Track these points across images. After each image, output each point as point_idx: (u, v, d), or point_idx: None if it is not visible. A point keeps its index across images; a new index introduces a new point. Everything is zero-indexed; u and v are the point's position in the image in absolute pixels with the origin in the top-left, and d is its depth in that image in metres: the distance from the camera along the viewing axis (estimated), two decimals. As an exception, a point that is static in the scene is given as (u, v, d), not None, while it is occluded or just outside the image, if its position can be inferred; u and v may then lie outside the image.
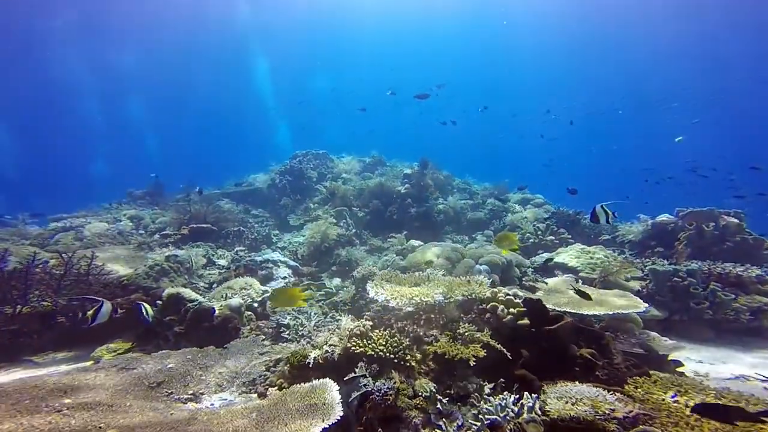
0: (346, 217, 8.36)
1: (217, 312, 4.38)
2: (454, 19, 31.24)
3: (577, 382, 2.45)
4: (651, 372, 3.07)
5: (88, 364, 3.38)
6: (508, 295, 3.08)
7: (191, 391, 2.80)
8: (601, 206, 3.73)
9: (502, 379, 2.63)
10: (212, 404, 2.79)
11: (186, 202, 8.60)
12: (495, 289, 3.18)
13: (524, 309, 2.93)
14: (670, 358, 3.92)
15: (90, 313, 3.23)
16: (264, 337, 4.34)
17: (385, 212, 8.67)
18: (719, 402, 2.44)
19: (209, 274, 6.39)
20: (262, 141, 36.44)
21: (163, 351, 3.45)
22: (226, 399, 2.90)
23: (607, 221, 3.82)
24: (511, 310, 2.91)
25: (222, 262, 6.89)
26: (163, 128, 41.64)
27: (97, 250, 5.91)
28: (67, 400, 2.01)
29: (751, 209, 7.47)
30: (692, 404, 2.22)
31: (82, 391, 2.21)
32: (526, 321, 2.85)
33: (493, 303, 3.01)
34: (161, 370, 2.96)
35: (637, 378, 2.84)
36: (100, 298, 3.42)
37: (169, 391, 2.67)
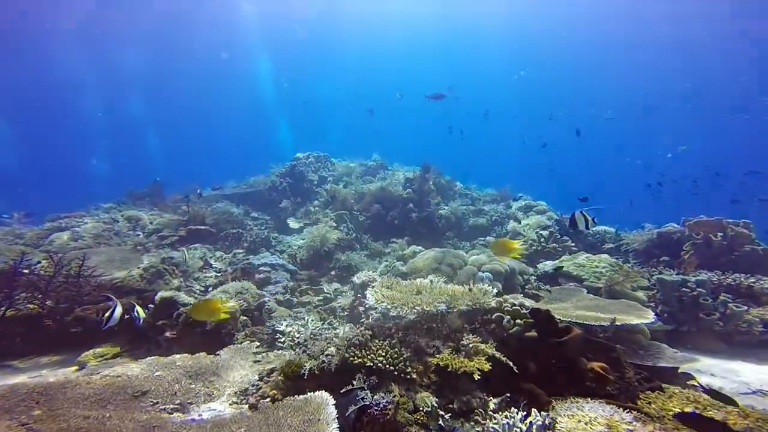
0: (347, 221, 8.23)
1: (211, 317, 4.24)
2: (457, 21, 31.14)
3: (589, 398, 2.29)
4: (664, 386, 2.92)
5: (72, 369, 3.23)
6: (514, 305, 2.93)
7: (178, 401, 2.65)
8: (581, 212, 3.64)
9: (508, 394, 2.48)
10: (200, 415, 2.64)
11: (185, 204, 8.49)
12: (500, 299, 3.03)
13: (531, 320, 2.78)
14: (680, 370, 3.77)
15: (107, 315, 3.18)
16: (259, 343, 4.19)
17: (386, 217, 8.54)
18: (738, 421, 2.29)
19: (206, 276, 6.27)
20: (263, 143, 36.38)
21: (152, 357, 3.30)
22: (215, 410, 2.75)
23: (587, 227, 3.71)
24: (518, 321, 2.77)
25: (219, 264, 6.77)
26: (163, 129, 41.56)
27: (91, 251, 5.78)
28: (37, 411, 1.87)
29: (756, 216, 7.32)
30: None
31: (57, 400, 2.06)
32: (533, 333, 2.70)
33: (499, 313, 2.86)
34: (148, 378, 2.82)
35: (650, 393, 2.68)
36: (114, 300, 3.37)
37: (155, 401, 2.52)
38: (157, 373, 2.96)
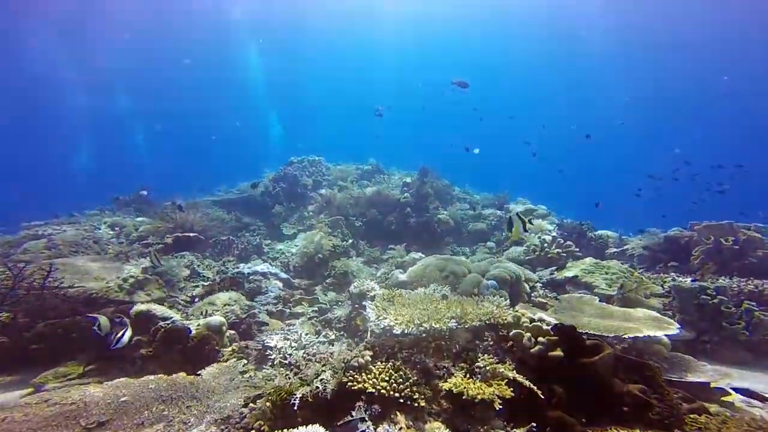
0: (342, 227, 7.87)
1: (193, 332, 3.84)
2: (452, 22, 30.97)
3: (638, 430, 1.93)
4: (707, 405, 2.58)
5: (25, 392, 2.81)
6: (533, 320, 2.58)
7: (146, 435, 2.26)
8: (517, 214, 3.68)
9: (533, 424, 2.12)
10: (173, 452, 2.25)
11: (172, 210, 8.08)
12: (518, 314, 2.68)
13: (555, 337, 2.43)
14: (713, 385, 3.44)
15: (117, 335, 3.02)
16: (246, 361, 3.80)
17: (383, 222, 8.21)
18: None
19: (192, 286, 5.85)
20: (256, 147, 35.77)
21: (121, 379, 2.90)
22: (190, 444, 2.36)
23: (525, 230, 3.75)
24: (540, 339, 2.41)
25: (207, 273, 6.36)
26: (151, 131, 40.46)
27: (66, 259, 5.36)
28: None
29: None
30: None
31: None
32: (558, 352, 2.35)
33: (518, 330, 2.51)
34: (110, 404, 2.42)
35: (696, 416, 2.33)
36: (127, 322, 3.22)
37: (116, 437, 2.13)
38: (122, 399, 2.56)
